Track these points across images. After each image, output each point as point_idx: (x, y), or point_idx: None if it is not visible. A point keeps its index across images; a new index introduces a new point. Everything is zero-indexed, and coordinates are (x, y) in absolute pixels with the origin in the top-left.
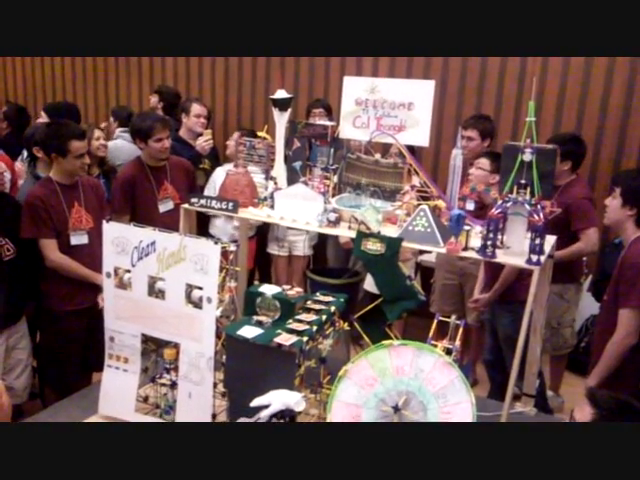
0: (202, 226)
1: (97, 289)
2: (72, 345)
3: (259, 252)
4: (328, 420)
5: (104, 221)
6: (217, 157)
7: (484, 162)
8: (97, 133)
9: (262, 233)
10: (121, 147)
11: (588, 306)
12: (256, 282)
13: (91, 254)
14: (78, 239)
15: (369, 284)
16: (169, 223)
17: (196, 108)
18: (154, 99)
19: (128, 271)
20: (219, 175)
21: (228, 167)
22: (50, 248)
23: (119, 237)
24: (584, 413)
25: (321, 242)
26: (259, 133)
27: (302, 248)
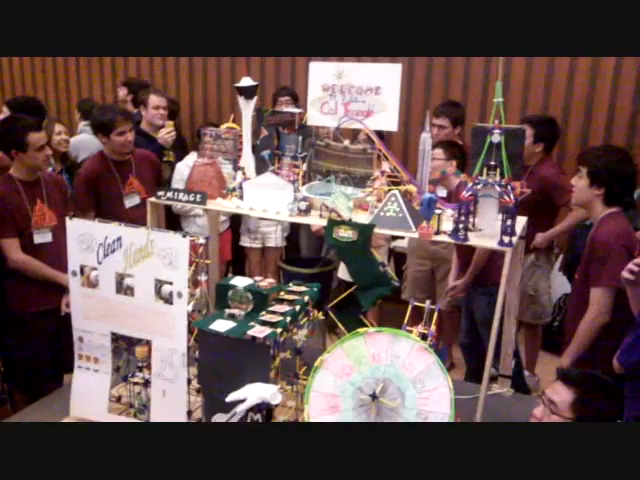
0: (172, 225)
1: (63, 289)
2: (39, 347)
3: (233, 244)
4: (306, 411)
5: (67, 218)
6: (184, 148)
7: (438, 152)
8: (58, 127)
9: (236, 224)
10: (85, 141)
11: (560, 285)
12: (230, 275)
13: (56, 252)
14: (42, 237)
15: (343, 272)
16: (136, 218)
17: (154, 99)
18: (123, 91)
19: (95, 269)
20: (182, 168)
21: (191, 159)
22: (12, 248)
23: (84, 234)
24: (562, 395)
25: (294, 232)
26: (226, 124)
27: (275, 239)
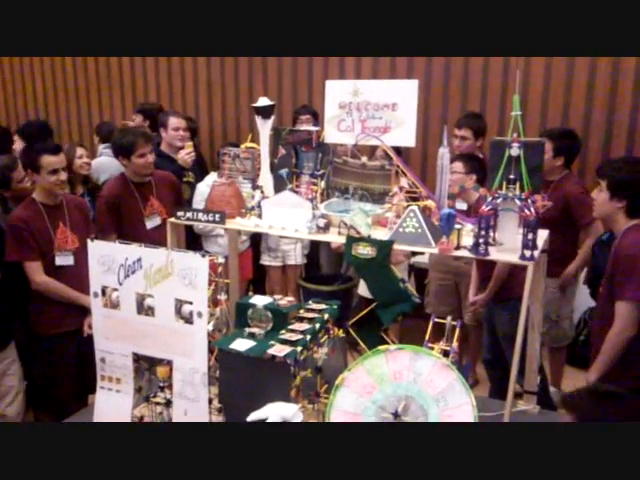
0: (194, 245)
1: (85, 311)
2: (62, 368)
3: (254, 263)
4: None
5: (89, 240)
6: (204, 169)
7: (458, 165)
8: (80, 151)
9: (257, 243)
10: (106, 163)
11: (585, 299)
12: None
13: (78, 274)
14: (63, 260)
15: (363, 289)
16: (157, 239)
17: (173, 121)
18: (138, 119)
19: (116, 290)
20: (203, 189)
21: (211, 179)
22: (35, 271)
23: (104, 255)
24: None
25: (314, 249)
26: (245, 144)
27: (295, 257)
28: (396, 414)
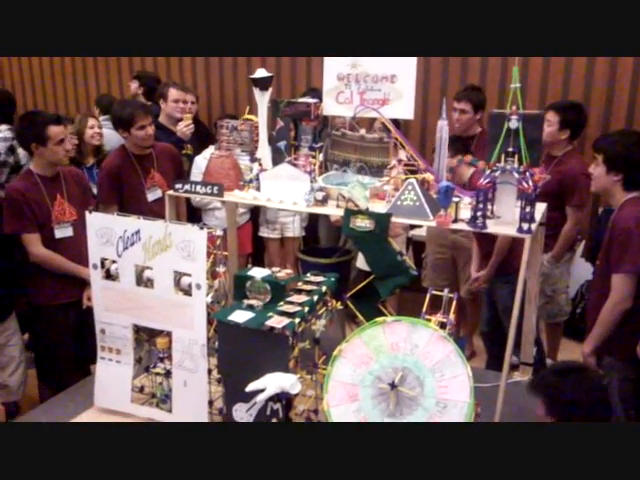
0: (194, 218)
1: (85, 283)
2: (62, 339)
3: (253, 237)
4: (325, 400)
5: (87, 212)
6: (208, 138)
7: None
8: (91, 122)
9: (256, 216)
10: (109, 135)
11: (582, 272)
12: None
13: (77, 246)
14: (62, 232)
15: (361, 262)
16: (159, 212)
17: (173, 93)
18: (134, 85)
19: (114, 262)
20: (200, 161)
21: (209, 152)
22: (33, 243)
23: (103, 227)
24: (539, 410)
25: (313, 222)
26: (244, 116)
27: (293, 230)
28: (393, 385)
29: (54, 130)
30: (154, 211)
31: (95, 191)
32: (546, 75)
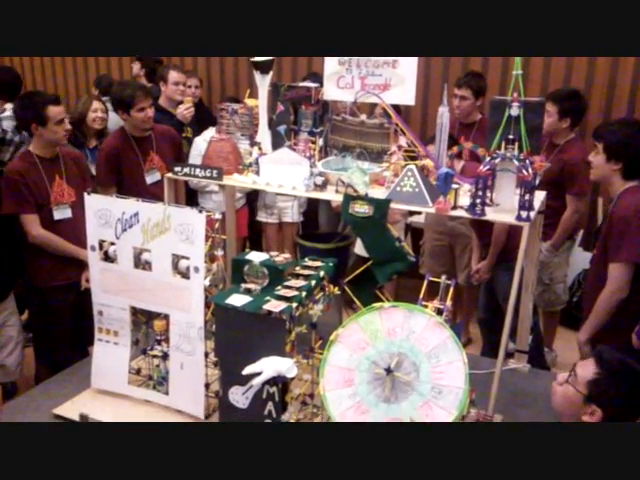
0: (192, 201)
1: (83, 264)
2: (60, 320)
3: (250, 221)
4: (321, 384)
5: (85, 193)
6: (211, 122)
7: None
8: (95, 105)
9: (251, 201)
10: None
11: (580, 261)
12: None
13: (75, 228)
14: (61, 213)
15: (359, 248)
16: (158, 194)
17: (174, 75)
18: (136, 66)
19: (113, 244)
20: (200, 143)
21: (209, 134)
22: (32, 224)
23: (102, 209)
24: (586, 370)
25: (313, 208)
26: (245, 100)
27: (291, 214)
28: (389, 370)
29: (53, 110)
30: (153, 193)
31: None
32: (548, 61)
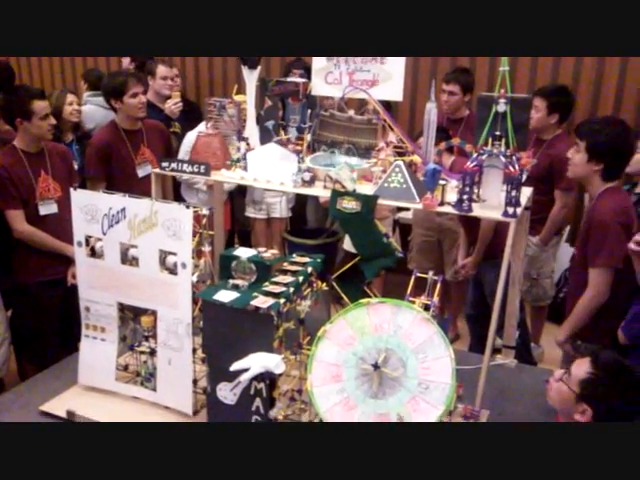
0: (179, 196)
1: (70, 260)
2: (46, 316)
3: (234, 216)
4: (309, 380)
5: (71, 189)
6: (197, 116)
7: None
8: (70, 98)
9: (234, 196)
10: (91, 111)
11: (566, 256)
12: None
13: (61, 224)
14: (47, 209)
15: (348, 244)
16: (149, 189)
17: (162, 70)
18: (126, 60)
19: (99, 239)
20: (192, 137)
21: (202, 129)
22: (17, 219)
23: (88, 205)
24: (580, 369)
25: (301, 204)
26: (233, 96)
27: (280, 210)
28: (376, 366)
29: (39, 105)
30: (144, 188)
31: (77, 168)
32: (535, 59)
